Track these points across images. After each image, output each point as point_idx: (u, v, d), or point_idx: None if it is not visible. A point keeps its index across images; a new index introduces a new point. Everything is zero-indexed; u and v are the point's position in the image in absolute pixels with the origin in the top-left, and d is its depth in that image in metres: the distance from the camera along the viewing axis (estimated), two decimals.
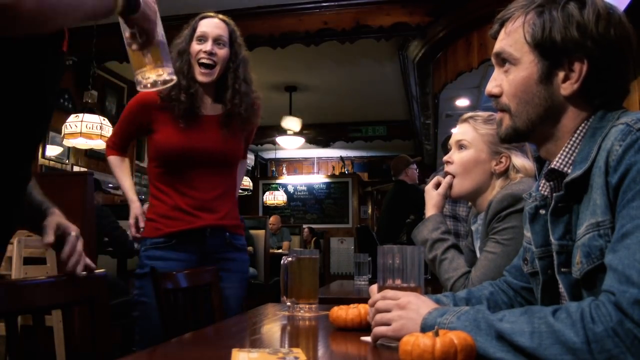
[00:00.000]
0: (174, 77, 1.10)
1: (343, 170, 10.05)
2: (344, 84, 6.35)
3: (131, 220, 1.84)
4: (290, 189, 9.96)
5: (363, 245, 3.77)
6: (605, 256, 0.75)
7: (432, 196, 1.50)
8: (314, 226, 8.96)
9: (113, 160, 1.89)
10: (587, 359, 0.66)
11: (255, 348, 0.87)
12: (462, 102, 5.72)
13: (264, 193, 9.48)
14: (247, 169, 2.16)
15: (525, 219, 1.00)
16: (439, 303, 1.02)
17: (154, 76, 1.08)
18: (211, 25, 1.76)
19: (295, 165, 10.78)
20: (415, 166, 4.23)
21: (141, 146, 5.94)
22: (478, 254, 1.48)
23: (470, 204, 1.62)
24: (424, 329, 0.82)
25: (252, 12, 4.27)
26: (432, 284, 2.15)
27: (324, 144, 8.30)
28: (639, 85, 2.72)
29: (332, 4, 4.21)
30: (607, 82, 0.86)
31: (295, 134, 6.81)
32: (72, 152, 4.99)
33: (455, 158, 1.45)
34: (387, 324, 0.87)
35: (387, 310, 0.88)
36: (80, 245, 1.09)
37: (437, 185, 1.51)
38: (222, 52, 1.76)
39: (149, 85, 1.07)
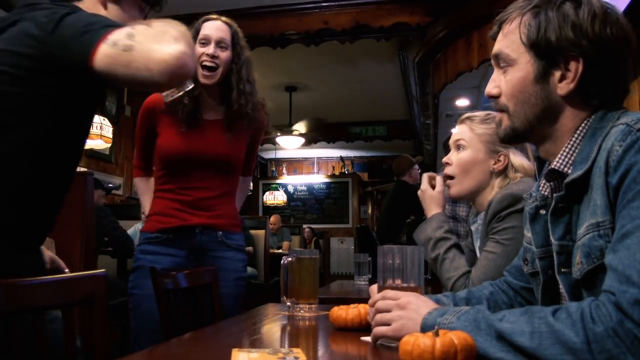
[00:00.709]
0: (192, 84, 1.18)
1: (343, 170, 10.05)
2: (344, 84, 6.35)
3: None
4: (290, 189, 9.96)
5: (363, 245, 3.77)
6: (605, 256, 0.75)
7: (432, 195, 1.51)
8: (314, 226, 8.96)
9: (138, 181, 1.97)
10: (587, 359, 0.66)
11: (255, 348, 0.87)
12: (462, 102, 5.72)
13: (264, 193, 9.48)
14: (249, 190, 2.11)
15: (525, 219, 1.00)
16: (439, 303, 1.02)
17: (177, 90, 1.21)
18: (214, 28, 1.78)
19: (295, 165, 10.78)
20: (417, 167, 4.23)
21: None
22: (478, 254, 1.48)
23: (470, 204, 1.62)
24: (424, 329, 0.82)
25: (252, 12, 4.27)
26: (432, 284, 2.16)
27: (325, 140, 8.30)
28: (639, 85, 2.72)
29: (332, 4, 4.21)
30: (604, 82, 0.86)
31: (301, 135, 6.80)
32: None
33: (454, 159, 1.46)
34: (387, 324, 0.87)
35: (387, 310, 0.88)
36: None
37: (432, 186, 1.52)
38: (224, 54, 1.77)
39: (175, 95, 1.20)
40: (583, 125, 0.87)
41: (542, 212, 0.93)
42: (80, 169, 5.06)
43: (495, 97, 0.95)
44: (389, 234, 3.85)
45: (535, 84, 0.89)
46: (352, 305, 1.11)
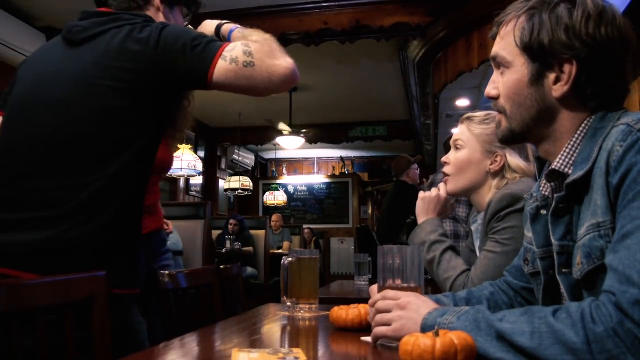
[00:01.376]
0: None
1: (343, 170, 10.05)
2: (344, 84, 6.35)
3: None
4: (290, 189, 9.96)
5: (363, 245, 3.77)
6: (605, 256, 0.75)
7: (429, 201, 1.53)
8: (314, 226, 8.97)
9: None
10: (587, 359, 0.66)
11: (255, 348, 0.87)
12: (462, 102, 5.71)
13: (264, 193, 9.49)
14: None
15: (526, 218, 1.00)
16: (439, 303, 1.02)
17: None
18: None
19: (295, 165, 10.78)
20: (416, 166, 4.23)
21: None
22: (478, 254, 1.48)
23: (470, 204, 1.63)
24: (424, 329, 0.82)
25: (252, 12, 4.27)
26: (432, 284, 2.15)
27: (325, 141, 8.30)
28: (639, 85, 2.72)
29: (332, 4, 4.21)
30: (601, 83, 0.86)
31: (292, 133, 6.79)
32: None
33: (451, 158, 1.49)
34: (387, 324, 0.87)
35: (387, 311, 0.88)
36: None
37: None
38: None
39: None
40: (583, 125, 0.87)
41: (543, 212, 0.93)
42: None
43: (495, 98, 0.95)
44: (389, 234, 3.85)
45: (530, 86, 0.89)
46: (352, 305, 1.11)
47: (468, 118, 1.49)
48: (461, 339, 0.70)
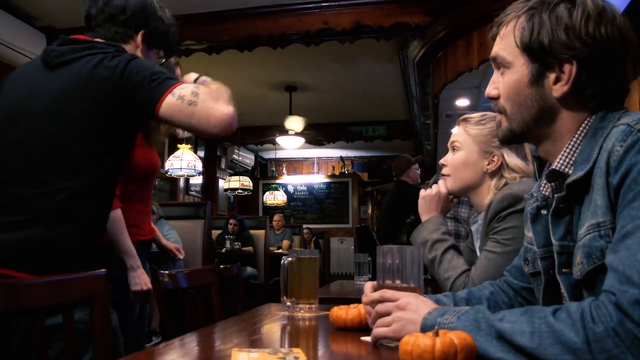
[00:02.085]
0: None
1: (343, 170, 10.05)
2: (344, 84, 6.35)
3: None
4: (290, 189, 9.96)
5: (363, 245, 3.77)
6: (605, 256, 0.75)
7: (431, 199, 1.53)
8: (313, 226, 8.97)
9: (120, 215, 2.17)
10: (587, 359, 0.66)
11: (255, 348, 0.87)
12: (462, 102, 5.71)
13: (264, 193, 9.48)
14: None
15: (526, 218, 1.00)
16: (439, 303, 1.02)
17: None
18: None
19: (295, 165, 10.78)
20: (417, 166, 4.22)
21: None
22: (478, 254, 1.48)
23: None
24: (424, 329, 0.82)
25: (252, 12, 4.27)
26: (432, 284, 2.15)
27: (324, 141, 8.30)
28: (639, 85, 2.72)
29: (332, 4, 4.20)
30: (601, 82, 0.86)
31: (296, 134, 6.80)
32: None
33: (449, 159, 1.50)
34: (387, 325, 0.87)
35: (387, 313, 0.88)
36: None
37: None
38: None
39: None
40: (584, 125, 0.87)
41: (543, 212, 0.93)
42: None
43: (495, 99, 0.95)
44: (389, 234, 3.85)
45: (530, 87, 0.89)
46: (352, 305, 1.10)
47: (465, 119, 1.50)
48: (461, 339, 0.70)
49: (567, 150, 0.88)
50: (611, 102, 0.87)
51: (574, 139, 0.87)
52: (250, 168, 9.70)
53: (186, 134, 1.50)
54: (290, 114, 6.66)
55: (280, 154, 10.18)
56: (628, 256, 0.70)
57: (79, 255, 1.22)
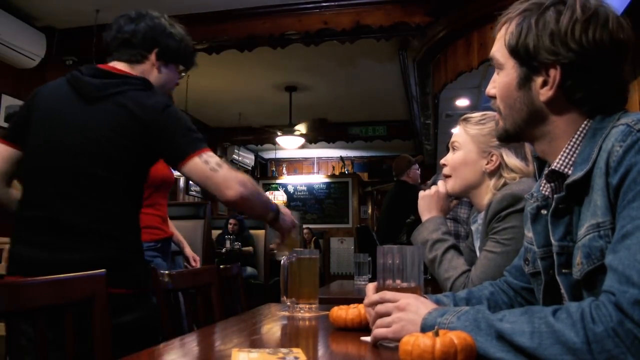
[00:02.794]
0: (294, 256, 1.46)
1: (343, 170, 10.04)
2: (344, 84, 6.35)
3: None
4: (290, 189, 9.96)
5: (363, 245, 3.77)
6: (605, 257, 0.75)
7: (430, 199, 1.55)
8: (314, 226, 8.96)
9: None
10: (587, 359, 0.66)
11: (255, 348, 0.87)
12: (462, 102, 5.71)
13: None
14: None
15: (526, 219, 1.00)
16: (439, 303, 1.02)
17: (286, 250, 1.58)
18: None
19: (295, 165, 10.78)
20: (417, 166, 4.22)
21: None
22: (478, 254, 1.48)
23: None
24: (424, 329, 0.82)
25: (252, 12, 4.27)
26: (432, 284, 2.15)
27: (325, 141, 8.29)
28: (639, 85, 2.72)
29: (332, 4, 4.20)
30: (590, 87, 0.85)
31: (295, 134, 6.80)
32: None
33: (449, 159, 1.52)
34: (387, 326, 0.87)
35: (387, 314, 0.88)
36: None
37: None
38: None
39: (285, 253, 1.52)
40: (583, 126, 0.87)
41: (544, 212, 0.93)
42: None
43: (494, 98, 0.97)
44: (389, 234, 3.85)
45: (519, 90, 0.90)
46: (352, 305, 1.11)
47: (465, 119, 1.51)
48: (461, 339, 0.70)
49: (567, 151, 0.88)
50: (609, 104, 0.86)
51: (574, 140, 0.87)
52: (250, 168, 9.70)
53: None
54: (290, 113, 6.66)
55: (280, 154, 10.18)
56: (628, 256, 0.70)
57: (126, 266, 1.38)
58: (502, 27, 0.93)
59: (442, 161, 1.55)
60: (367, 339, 0.94)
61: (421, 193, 1.57)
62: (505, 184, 1.41)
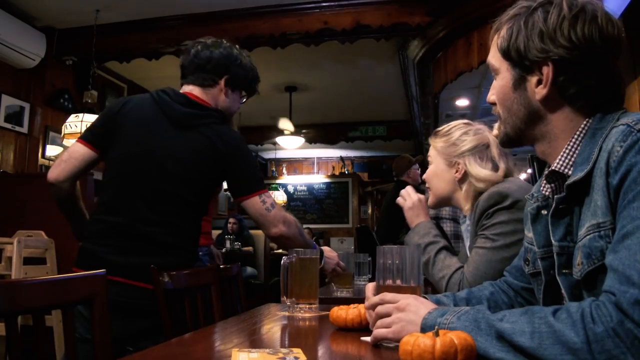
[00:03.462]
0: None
1: (343, 170, 10.05)
2: (344, 84, 6.35)
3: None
4: (290, 189, 9.96)
5: (363, 245, 3.77)
6: (605, 257, 0.75)
7: (412, 206, 1.62)
8: (314, 226, 8.96)
9: None
10: (587, 359, 0.66)
11: (255, 348, 0.87)
12: (462, 102, 5.71)
13: None
14: None
15: (526, 219, 1.01)
16: (439, 303, 1.02)
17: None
18: None
19: (295, 165, 10.78)
20: (417, 166, 4.22)
21: None
22: (468, 253, 1.51)
23: None
24: (424, 329, 0.82)
25: (252, 12, 4.27)
26: (432, 284, 2.15)
27: (325, 142, 8.29)
28: (639, 85, 2.72)
29: (332, 4, 4.21)
30: (582, 82, 0.85)
31: (293, 133, 6.80)
32: None
33: (425, 174, 1.61)
34: (387, 326, 0.87)
35: (387, 314, 0.88)
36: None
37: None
38: None
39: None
40: (583, 126, 0.87)
41: (544, 212, 0.93)
42: None
43: (494, 104, 0.98)
44: (389, 234, 3.85)
45: (514, 91, 0.92)
46: (352, 306, 1.11)
47: (434, 133, 1.59)
48: (461, 339, 0.70)
49: (567, 151, 0.88)
50: (606, 103, 0.86)
51: (573, 140, 0.87)
52: None
53: None
54: (290, 114, 6.66)
55: (280, 154, 10.18)
56: (628, 256, 0.70)
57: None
58: (495, 33, 0.95)
59: (424, 176, 1.62)
60: (367, 339, 0.94)
61: (404, 205, 1.64)
62: (476, 189, 1.46)
